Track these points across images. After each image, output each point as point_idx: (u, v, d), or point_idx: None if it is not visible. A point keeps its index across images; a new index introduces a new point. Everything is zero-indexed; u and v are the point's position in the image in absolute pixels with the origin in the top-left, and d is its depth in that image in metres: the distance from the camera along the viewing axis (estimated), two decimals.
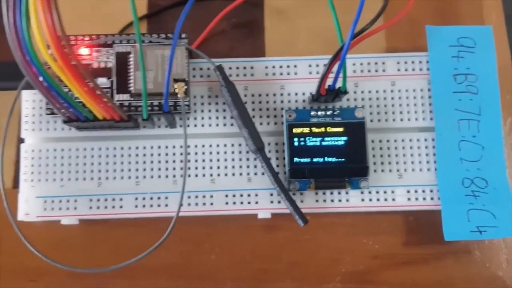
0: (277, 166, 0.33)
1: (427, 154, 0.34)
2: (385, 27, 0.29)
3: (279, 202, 0.33)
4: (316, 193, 0.33)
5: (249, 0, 0.37)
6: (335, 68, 0.29)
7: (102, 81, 0.32)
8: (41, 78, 0.26)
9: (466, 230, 0.33)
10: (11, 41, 0.23)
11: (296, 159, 0.32)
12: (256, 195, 0.33)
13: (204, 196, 0.33)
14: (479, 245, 0.36)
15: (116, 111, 0.30)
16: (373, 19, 0.30)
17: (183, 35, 0.33)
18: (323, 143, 0.33)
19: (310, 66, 0.34)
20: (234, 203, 0.33)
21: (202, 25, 0.37)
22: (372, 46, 0.30)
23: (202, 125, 0.34)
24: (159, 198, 0.33)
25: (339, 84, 0.31)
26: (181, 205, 0.29)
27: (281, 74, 0.34)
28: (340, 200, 0.33)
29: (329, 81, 0.31)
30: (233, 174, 0.33)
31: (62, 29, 0.24)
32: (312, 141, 0.33)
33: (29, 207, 0.33)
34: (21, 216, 0.32)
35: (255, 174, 0.33)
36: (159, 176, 0.33)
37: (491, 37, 0.35)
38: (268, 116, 0.34)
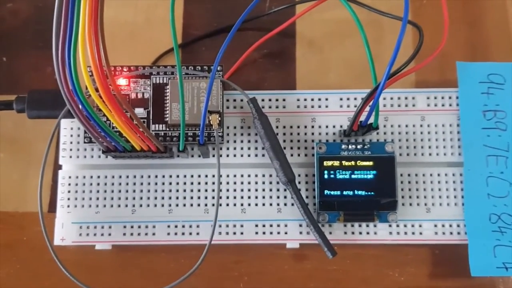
0: (307, 197, 0.34)
1: (454, 189, 0.34)
2: (417, 68, 0.30)
3: (308, 233, 0.34)
4: (345, 225, 0.34)
5: (281, 31, 0.37)
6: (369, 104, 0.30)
7: (139, 111, 0.33)
8: (81, 107, 0.26)
9: (493, 266, 0.33)
10: (58, 71, 0.24)
11: (326, 192, 0.33)
12: (286, 225, 0.34)
13: (234, 226, 0.34)
14: (504, 280, 0.36)
15: (153, 142, 0.30)
16: (407, 60, 0.30)
17: (219, 68, 0.34)
18: (353, 176, 0.33)
19: (341, 99, 0.35)
20: (264, 233, 0.34)
21: (235, 55, 0.38)
22: (402, 79, 0.30)
23: (234, 155, 0.34)
24: (190, 226, 0.34)
25: (371, 119, 0.32)
26: (213, 234, 0.30)
27: (312, 106, 0.35)
28: (368, 233, 0.34)
29: (361, 116, 0.32)
30: (263, 204, 0.34)
31: (106, 60, 0.25)
32: (342, 174, 0.33)
33: (65, 232, 0.33)
34: (57, 241, 0.33)
35: (285, 204, 0.34)
36: (191, 205, 0.34)
37: None
38: (299, 148, 0.35)
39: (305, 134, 0.35)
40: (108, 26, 0.40)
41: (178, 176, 0.34)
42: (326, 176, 0.33)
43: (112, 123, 0.30)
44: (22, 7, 0.41)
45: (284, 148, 0.34)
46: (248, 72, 0.39)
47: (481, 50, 0.40)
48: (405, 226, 0.34)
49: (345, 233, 0.34)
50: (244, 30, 0.40)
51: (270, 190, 0.34)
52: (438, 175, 0.34)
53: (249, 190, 0.34)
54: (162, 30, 0.40)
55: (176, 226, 0.34)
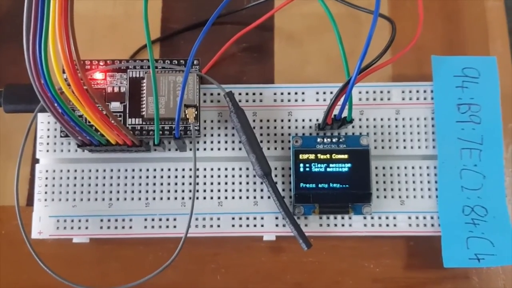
0: (283, 190, 0.34)
1: (429, 182, 0.35)
2: (391, 61, 0.30)
3: (284, 225, 0.34)
4: (320, 218, 0.34)
5: (259, 25, 0.38)
6: (341, 98, 0.30)
7: (115, 105, 0.33)
8: (55, 104, 0.27)
9: (465, 257, 0.34)
10: (29, 65, 0.24)
11: (302, 185, 0.33)
12: (262, 218, 0.34)
13: (211, 219, 0.34)
14: (477, 270, 0.36)
15: (129, 137, 0.31)
16: (380, 54, 0.30)
17: (195, 62, 0.34)
18: (328, 169, 0.33)
19: (317, 93, 0.35)
20: (241, 225, 0.34)
21: (213, 49, 0.38)
22: (379, 72, 0.30)
23: (211, 149, 0.35)
24: (167, 219, 0.34)
25: (345, 113, 0.32)
26: (189, 227, 0.31)
27: (289, 100, 0.35)
28: (343, 225, 0.34)
29: (335, 110, 0.32)
30: (240, 198, 0.34)
31: (77, 55, 0.25)
32: (317, 167, 0.33)
33: (42, 226, 0.34)
34: (34, 234, 0.34)
35: (262, 197, 0.34)
36: (168, 198, 0.34)
37: (495, 68, 0.35)
38: (275, 141, 0.35)
39: (282, 127, 0.35)
40: (87, 19, 0.41)
41: (155, 170, 0.34)
42: (301, 169, 0.33)
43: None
44: (2, 1, 0.41)
45: (261, 141, 0.35)
46: (227, 66, 0.40)
47: (458, 44, 0.40)
48: (379, 218, 0.34)
49: (321, 225, 0.34)
50: (223, 23, 0.40)
51: (247, 183, 0.34)
52: (413, 168, 0.35)
53: (225, 183, 0.34)
54: (141, 23, 0.40)
55: (153, 219, 0.34)
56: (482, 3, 0.41)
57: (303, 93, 0.35)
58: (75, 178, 0.34)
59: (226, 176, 0.34)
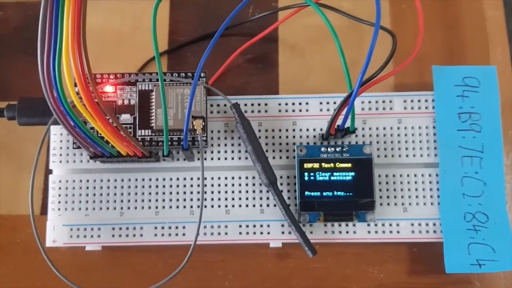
0: (288, 198, 0.35)
1: (431, 189, 0.35)
2: (393, 73, 0.31)
3: (289, 232, 0.35)
4: (325, 225, 0.35)
5: (264, 36, 0.39)
6: (344, 110, 0.31)
7: (126, 117, 0.34)
8: (67, 117, 0.28)
9: (467, 263, 0.34)
10: (43, 80, 0.25)
11: (306, 193, 0.34)
12: (268, 226, 0.35)
13: (219, 226, 0.35)
14: (479, 275, 0.37)
15: (138, 148, 0.32)
16: (381, 67, 0.31)
17: (202, 74, 0.35)
18: (332, 178, 0.34)
19: (321, 103, 0.36)
20: (247, 233, 0.35)
21: (219, 60, 0.39)
22: (380, 82, 0.31)
23: (218, 159, 0.36)
24: (177, 227, 0.35)
25: (347, 123, 0.33)
26: (197, 235, 0.32)
27: (293, 111, 0.36)
28: (347, 232, 0.35)
29: (338, 121, 0.33)
30: (247, 206, 0.35)
31: (89, 69, 0.26)
32: (321, 176, 0.34)
33: (56, 234, 0.35)
34: (49, 243, 0.35)
35: (268, 206, 0.35)
36: (177, 207, 0.35)
37: (495, 77, 0.36)
38: (280, 151, 0.36)
39: (287, 137, 0.36)
40: (96, 33, 0.42)
41: (164, 179, 0.35)
42: (306, 178, 0.34)
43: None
44: (12, 15, 0.43)
45: (266, 151, 0.35)
46: (232, 77, 0.41)
47: (458, 53, 0.41)
48: (383, 225, 0.35)
49: (325, 232, 0.35)
50: (228, 35, 0.41)
51: (253, 191, 0.35)
52: (415, 175, 0.36)
53: (232, 192, 0.35)
54: (148, 36, 0.40)
55: (162, 227, 0.35)
56: (482, 13, 0.41)
57: (307, 103, 0.36)
58: (87, 188, 0.35)
59: (233, 185, 0.35)
